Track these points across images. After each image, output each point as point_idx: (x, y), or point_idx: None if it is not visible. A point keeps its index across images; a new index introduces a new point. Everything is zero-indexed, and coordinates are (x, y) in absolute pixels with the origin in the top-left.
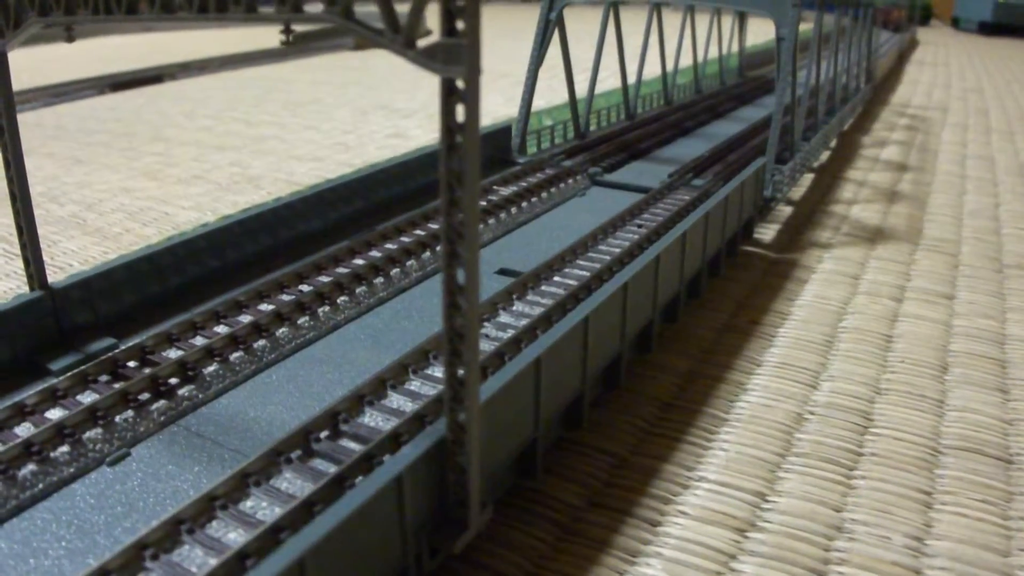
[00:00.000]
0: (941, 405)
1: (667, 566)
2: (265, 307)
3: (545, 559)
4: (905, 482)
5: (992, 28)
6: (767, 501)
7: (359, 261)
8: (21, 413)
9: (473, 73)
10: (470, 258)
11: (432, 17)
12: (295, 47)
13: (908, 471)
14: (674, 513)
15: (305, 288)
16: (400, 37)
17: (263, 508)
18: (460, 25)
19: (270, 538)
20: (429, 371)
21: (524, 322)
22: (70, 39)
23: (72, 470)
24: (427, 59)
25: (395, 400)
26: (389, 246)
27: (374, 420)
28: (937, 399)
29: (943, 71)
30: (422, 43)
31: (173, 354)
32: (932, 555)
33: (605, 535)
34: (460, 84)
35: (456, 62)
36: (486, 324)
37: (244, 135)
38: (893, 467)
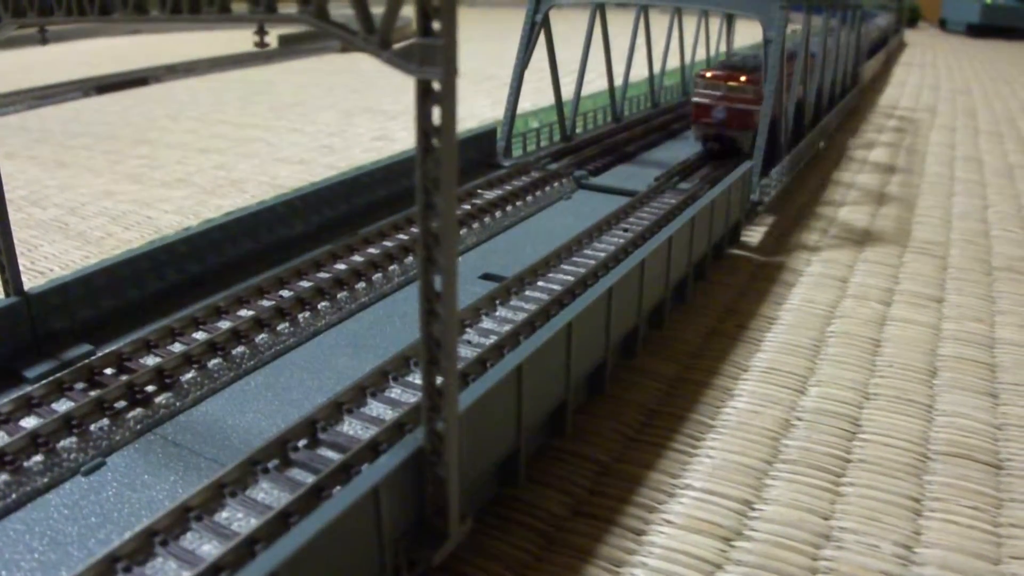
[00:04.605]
0: (930, 410)
1: None
2: (245, 313)
3: (528, 569)
4: (894, 489)
5: (980, 30)
6: (754, 509)
7: (341, 266)
8: None
9: (449, 74)
10: (447, 264)
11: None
12: (282, 49)
13: (897, 477)
14: (659, 522)
15: (286, 293)
16: (375, 38)
17: (239, 519)
18: (436, 25)
19: (245, 550)
20: (410, 378)
21: (507, 328)
22: (44, 41)
23: (46, 480)
24: (402, 60)
25: (375, 408)
26: (372, 250)
27: (353, 428)
28: (926, 404)
29: (931, 73)
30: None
31: (151, 361)
32: (921, 563)
33: (589, 545)
34: (436, 86)
35: (432, 63)
36: (468, 330)
37: (229, 138)
38: (882, 473)
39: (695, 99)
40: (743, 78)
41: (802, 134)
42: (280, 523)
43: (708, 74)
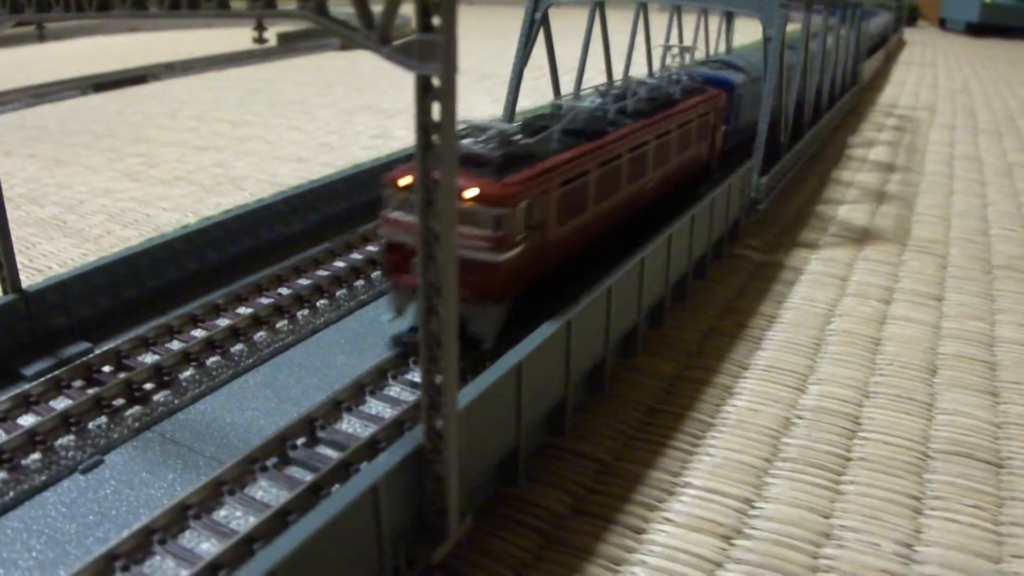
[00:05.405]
0: (930, 409)
1: (652, 575)
2: (243, 310)
3: (527, 568)
4: (894, 487)
5: (979, 28)
6: (754, 507)
7: (340, 263)
8: None
9: (449, 70)
10: (447, 261)
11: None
12: (281, 47)
13: (897, 476)
14: (659, 520)
15: (284, 291)
16: (374, 33)
17: (237, 517)
18: (436, 21)
19: (243, 548)
20: (409, 376)
21: None
22: (41, 38)
23: (44, 478)
24: (402, 56)
25: (374, 406)
26: (370, 248)
27: (352, 427)
28: (926, 402)
29: (930, 71)
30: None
31: (149, 359)
32: (922, 562)
33: (589, 543)
34: (436, 82)
35: (431, 59)
36: None
37: (228, 136)
38: (882, 472)
39: (381, 231)
40: (475, 190)
41: (801, 135)
42: (279, 521)
43: (401, 180)
